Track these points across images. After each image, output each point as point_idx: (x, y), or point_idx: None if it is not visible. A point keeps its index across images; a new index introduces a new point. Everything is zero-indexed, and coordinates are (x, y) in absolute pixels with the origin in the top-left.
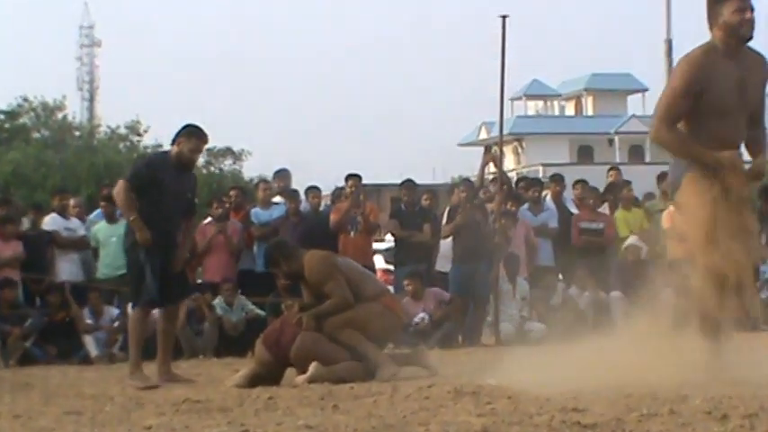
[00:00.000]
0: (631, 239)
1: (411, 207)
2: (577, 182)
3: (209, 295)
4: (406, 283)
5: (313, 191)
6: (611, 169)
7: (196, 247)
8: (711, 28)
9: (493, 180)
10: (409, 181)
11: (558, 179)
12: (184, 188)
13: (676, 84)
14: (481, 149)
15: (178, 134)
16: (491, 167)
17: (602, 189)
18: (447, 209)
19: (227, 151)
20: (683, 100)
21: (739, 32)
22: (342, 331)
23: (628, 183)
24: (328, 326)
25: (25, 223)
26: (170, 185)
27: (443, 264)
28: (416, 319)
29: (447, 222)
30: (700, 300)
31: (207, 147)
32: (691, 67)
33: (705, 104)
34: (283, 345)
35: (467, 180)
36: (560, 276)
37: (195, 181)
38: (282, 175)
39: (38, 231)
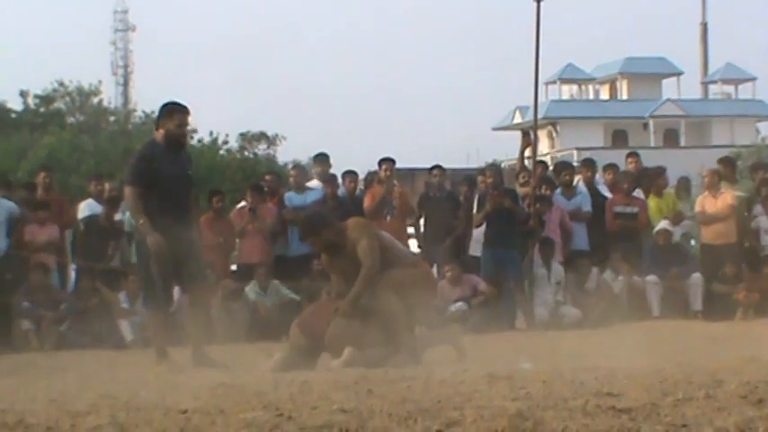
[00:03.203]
0: (662, 223)
1: (439, 193)
2: (608, 166)
3: (229, 281)
4: (446, 268)
5: (350, 175)
6: (629, 155)
7: (232, 231)
8: None
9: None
10: (438, 166)
11: (588, 164)
12: (182, 169)
13: None
14: (515, 133)
15: (159, 117)
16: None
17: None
18: (477, 196)
19: (262, 136)
20: None
21: None
22: (383, 295)
23: (663, 168)
24: (379, 283)
25: (91, 208)
26: (168, 171)
27: (477, 248)
28: (454, 308)
29: (478, 210)
30: None
31: (241, 131)
32: None
33: None
34: (318, 329)
35: (492, 165)
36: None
37: (189, 159)
38: (321, 159)
39: (110, 223)
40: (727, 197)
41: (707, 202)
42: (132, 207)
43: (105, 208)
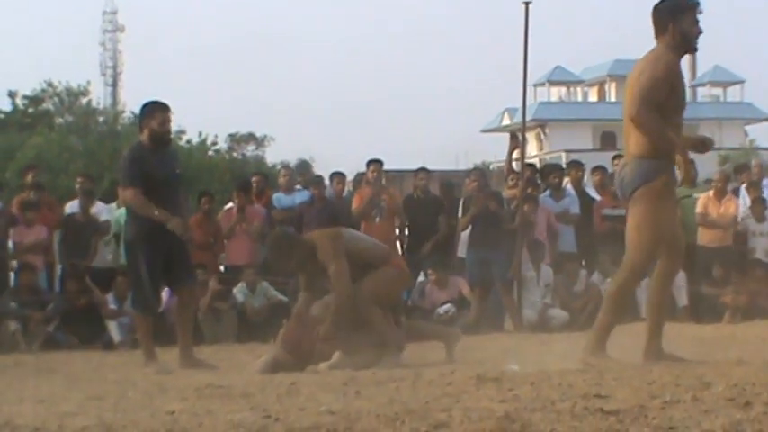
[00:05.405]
0: None
1: (424, 195)
2: (596, 168)
3: (213, 282)
4: (429, 272)
5: (337, 176)
6: (616, 157)
7: (221, 232)
8: (663, 33)
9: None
10: (423, 169)
11: (577, 165)
12: (170, 168)
13: (659, 74)
14: (504, 135)
15: (141, 118)
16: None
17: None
18: (462, 199)
19: (250, 137)
20: (662, 89)
21: (693, 43)
22: (369, 306)
23: None
24: (358, 296)
25: (73, 207)
26: (156, 171)
27: (464, 250)
28: (442, 311)
29: (463, 214)
30: (621, 292)
31: (229, 132)
32: (671, 62)
33: (674, 98)
34: (305, 349)
35: (477, 169)
36: (583, 263)
37: (176, 155)
38: (303, 168)
39: (86, 218)
40: (731, 206)
41: (711, 205)
42: (142, 206)
43: (81, 202)
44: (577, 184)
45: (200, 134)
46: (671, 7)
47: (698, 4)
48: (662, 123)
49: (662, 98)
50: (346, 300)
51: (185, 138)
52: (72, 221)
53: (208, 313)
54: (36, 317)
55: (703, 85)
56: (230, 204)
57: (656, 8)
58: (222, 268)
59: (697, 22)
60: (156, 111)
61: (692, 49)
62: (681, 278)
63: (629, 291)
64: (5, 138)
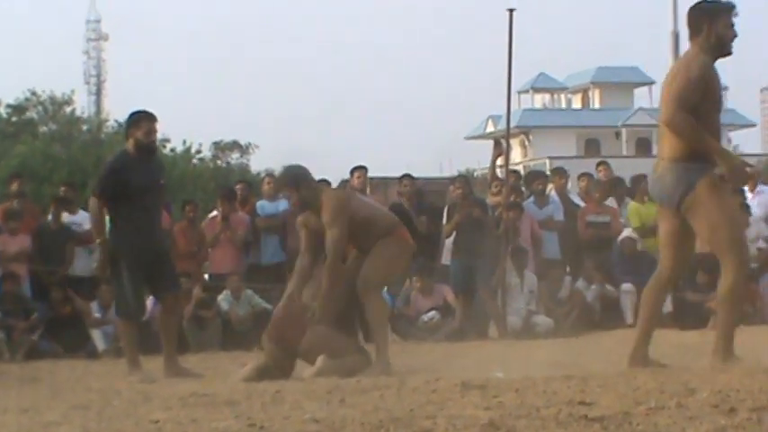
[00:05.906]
0: (626, 232)
1: (409, 202)
2: (583, 174)
3: (197, 290)
4: (414, 279)
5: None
6: (599, 164)
7: (205, 240)
8: (698, 35)
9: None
10: (408, 176)
11: (560, 172)
12: (154, 178)
13: (693, 75)
14: (488, 143)
15: (127, 127)
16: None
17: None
18: (446, 207)
19: (234, 145)
20: (696, 91)
21: (728, 46)
22: (370, 294)
23: (644, 176)
24: (361, 278)
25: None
26: (140, 181)
27: (448, 257)
28: (426, 318)
29: (447, 221)
30: (735, 292)
31: (214, 140)
32: (705, 63)
33: (709, 99)
34: (290, 338)
35: (461, 176)
36: (567, 270)
37: (162, 165)
38: None
39: (58, 226)
40: None
41: None
42: (93, 221)
43: (53, 210)
44: (561, 191)
45: (185, 142)
46: (707, 9)
47: (734, 6)
48: (698, 126)
49: (696, 100)
50: (334, 269)
51: (170, 146)
52: (45, 229)
53: (192, 321)
54: (20, 326)
55: None
56: (214, 212)
57: (692, 9)
58: (206, 276)
59: (732, 25)
60: (141, 120)
61: (727, 53)
62: None
63: (741, 289)
64: None
